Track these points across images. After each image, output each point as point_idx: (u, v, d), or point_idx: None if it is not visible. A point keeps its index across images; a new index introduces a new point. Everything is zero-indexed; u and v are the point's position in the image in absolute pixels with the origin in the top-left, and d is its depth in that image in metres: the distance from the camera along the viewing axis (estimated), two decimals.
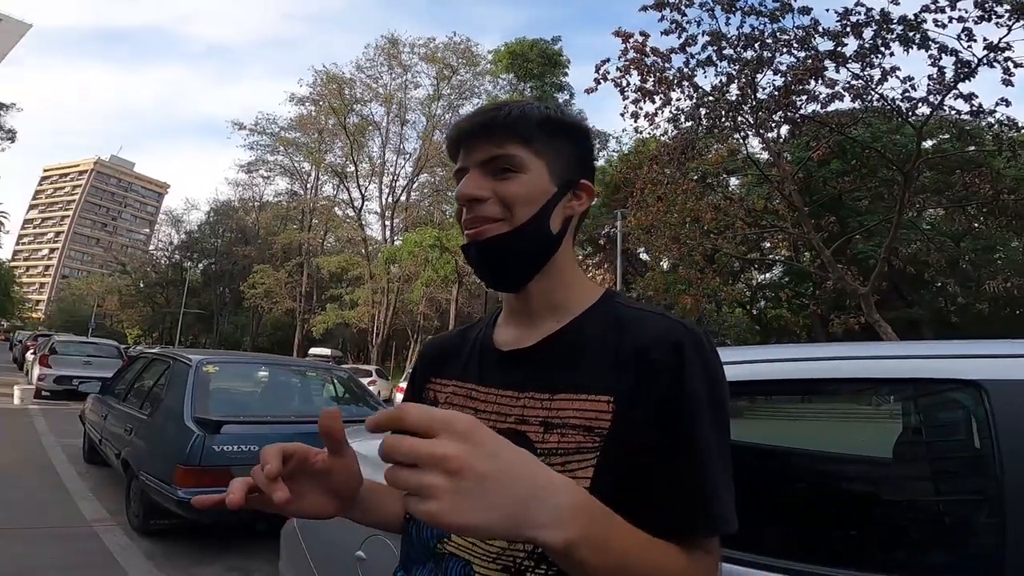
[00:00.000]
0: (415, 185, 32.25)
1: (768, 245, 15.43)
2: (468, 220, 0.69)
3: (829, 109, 7.86)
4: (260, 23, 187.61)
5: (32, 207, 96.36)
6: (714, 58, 7.83)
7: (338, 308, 31.47)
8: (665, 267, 17.58)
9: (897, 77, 7.08)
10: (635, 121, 8.49)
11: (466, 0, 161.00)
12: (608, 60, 8.20)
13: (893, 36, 6.81)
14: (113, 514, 4.31)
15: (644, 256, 21.64)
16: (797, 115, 7.99)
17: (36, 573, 3.22)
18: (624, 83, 8.21)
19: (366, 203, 33.45)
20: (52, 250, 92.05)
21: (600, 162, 25.55)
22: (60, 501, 4.61)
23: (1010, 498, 0.92)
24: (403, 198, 32.37)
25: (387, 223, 32.27)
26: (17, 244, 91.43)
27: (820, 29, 7.13)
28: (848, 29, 6.90)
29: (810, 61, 7.19)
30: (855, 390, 1.70)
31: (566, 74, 27.11)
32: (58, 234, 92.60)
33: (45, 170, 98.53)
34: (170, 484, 3.45)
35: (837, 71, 7.15)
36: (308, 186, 37.66)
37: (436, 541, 0.69)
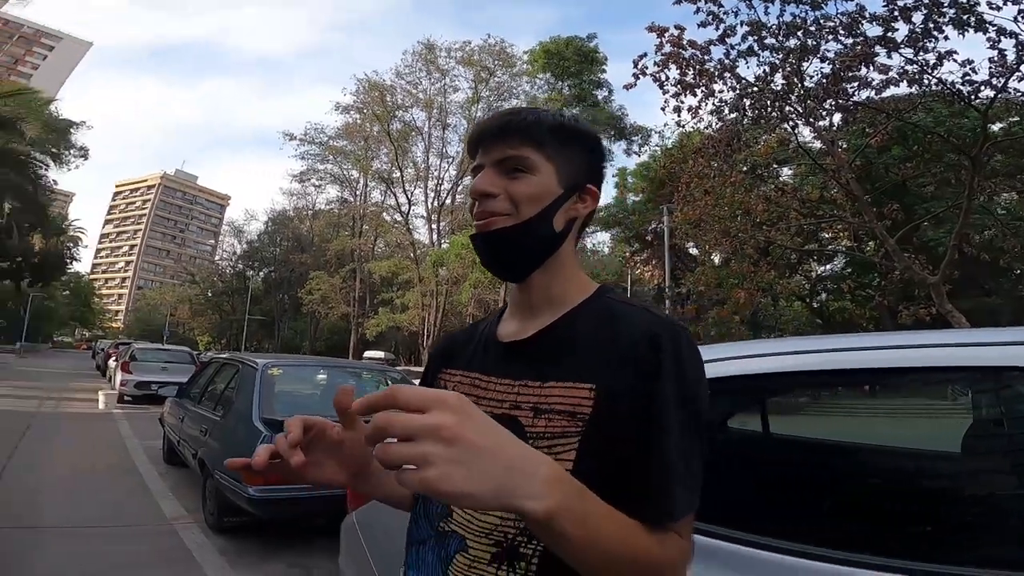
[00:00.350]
0: (459, 188, 32.50)
1: (828, 235, 14.75)
2: (478, 213, 0.75)
3: (884, 95, 7.47)
4: (300, 33, 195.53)
5: (107, 222, 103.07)
6: (756, 48, 7.57)
7: (390, 312, 32.24)
8: (717, 261, 17.13)
9: (955, 60, 6.65)
10: (677, 115, 8.32)
11: (495, 2, 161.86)
12: (645, 55, 8.06)
13: (946, 20, 6.43)
14: (191, 512, 4.55)
15: (693, 250, 21.14)
16: (849, 102, 7.62)
17: (123, 570, 3.43)
18: (663, 77, 8.05)
19: (413, 208, 34.02)
20: (127, 263, 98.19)
21: (643, 157, 25.17)
22: (143, 501, 4.90)
23: None
24: (448, 201, 32.77)
25: (434, 227, 32.73)
26: (96, 258, 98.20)
27: (867, 15, 6.78)
28: (896, 14, 6.55)
29: (859, 47, 6.85)
30: (927, 381, 1.64)
31: (604, 70, 26.80)
32: (132, 247, 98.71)
33: (117, 185, 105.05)
34: (241, 482, 3.64)
35: (889, 56, 6.79)
36: (357, 193, 38.56)
37: (440, 520, 0.73)
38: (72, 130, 34.30)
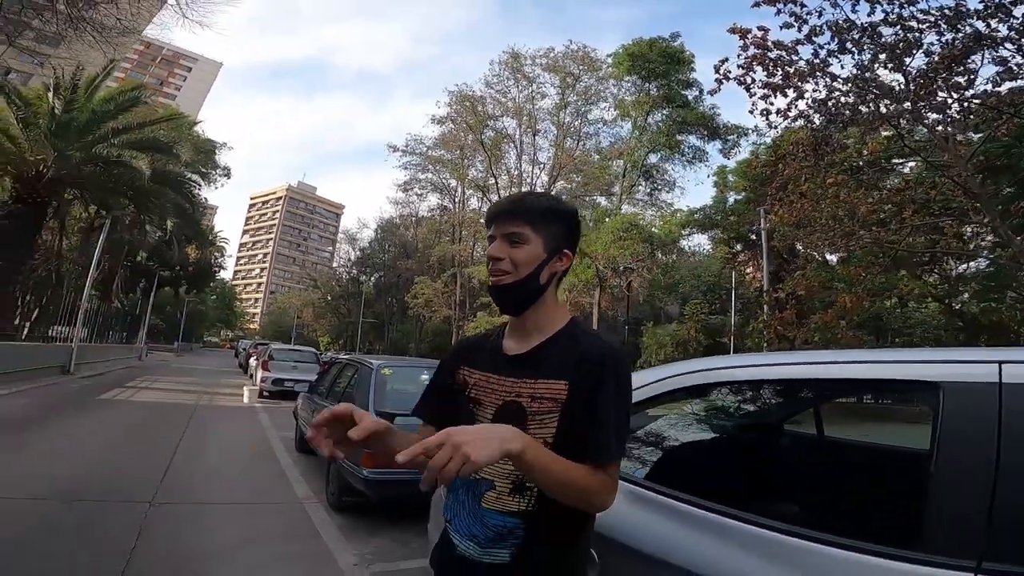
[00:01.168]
0: (552, 193, 32.54)
1: (969, 232, 13.25)
2: (491, 271, 1.10)
3: (1002, 89, 6.75)
4: (396, 48, 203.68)
5: (244, 232, 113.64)
6: (848, 46, 7.16)
7: (488, 315, 33.05)
8: (833, 260, 15.95)
9: None
10: (766, 117, 8.07)
11: (577, 3, 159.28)
12: (727, 59, 7.89)
13: None
14: (316, 493, 5.19)
15: (800, 247, 19.79)
16: (960, 97, 6.97)
17: (262, 539, 4.00)
18: (748, 80, 7.85)
19: None
20: (262, 269, 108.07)
21: (743, 154, 23.98)
22: (280, 483, 5.58)
23: None
24: None
25: None
26: (236, 265, 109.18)
27: (964, 9, 6.21)
28: (992, 10, 5.96)
29: (968, 42, 6.27)
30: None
31: (692, 70, 25.72)
32: (265, 255, 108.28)
33: (251, 198, 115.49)
34: (359, 465, 4.25)
35: (996, 50, 6.18)
36: (456, 201, 39.66)
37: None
38: (216, 151, 37.31)
